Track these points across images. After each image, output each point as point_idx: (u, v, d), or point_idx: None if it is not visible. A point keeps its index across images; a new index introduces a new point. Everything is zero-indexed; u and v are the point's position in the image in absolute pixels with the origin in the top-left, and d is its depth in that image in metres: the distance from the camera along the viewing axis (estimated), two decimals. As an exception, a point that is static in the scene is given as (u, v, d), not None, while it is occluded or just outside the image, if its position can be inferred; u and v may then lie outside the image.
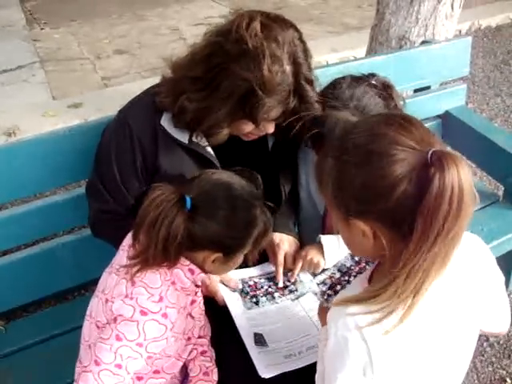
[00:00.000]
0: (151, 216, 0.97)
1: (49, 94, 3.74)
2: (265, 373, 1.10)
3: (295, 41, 1.18)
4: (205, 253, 1.04)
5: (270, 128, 1.25)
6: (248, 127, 1.23)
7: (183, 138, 1.25)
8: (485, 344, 1.97)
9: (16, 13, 5.37)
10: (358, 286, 0.90)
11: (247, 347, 1.16)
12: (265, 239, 1.08)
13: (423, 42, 2.36)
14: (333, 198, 0.84)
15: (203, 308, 1.23)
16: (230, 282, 1.31)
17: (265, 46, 1.12)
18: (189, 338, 1.16)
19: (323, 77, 1.36)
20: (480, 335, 1.80)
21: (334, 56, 4.26)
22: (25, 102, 3.53)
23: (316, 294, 1.27)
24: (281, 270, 1.34)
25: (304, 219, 1.50)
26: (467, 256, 0.89)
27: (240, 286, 1.31)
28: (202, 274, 1.08)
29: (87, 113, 3.28)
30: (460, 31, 4.83)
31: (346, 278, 1.32)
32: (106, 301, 1.05)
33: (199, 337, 1.22)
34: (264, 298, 1.30)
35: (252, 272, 1.37)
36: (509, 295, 2.13)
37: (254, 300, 1.29)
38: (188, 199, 0.99)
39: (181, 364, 1.17)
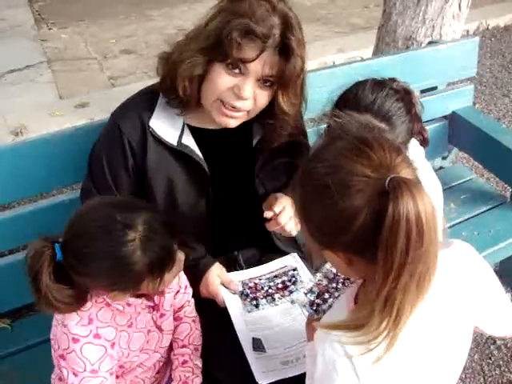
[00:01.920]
0: (30, 276, 0.95)
1: (56, 93, 3.76)
2: (261, 379, 1.10)
3: (289, 10, 1.16)
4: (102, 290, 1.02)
5: (247, 89, 1.15)
6: (224, 81, 1.15)
7: (172, 139, 1.24)
8: (492, 347, 1.95)
9: (24, 13, 5.39)
10: (343, 306, 0.87)
11: (245, 352, 1.16)
12: (169, 266, 1.01)
13: (430, 43, 2.35)
14: (302, 226, 0.83)
15: (192, 315, 1.26)
16: (231, 285, 1.31)
17: None
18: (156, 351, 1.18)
19: (331, 78, 1.35)
20: (487, 338, 1.79)
21: (340, 56, 4.25)
22: (32, 102, 3.55)
23: (305, 305, 1.27)
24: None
25: None
26: (457, 267, 0.87)
27: (240, 288, 1.31)
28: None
29: (94, 112, 3.29)
30: (467, 31, 4.80)
31: (334, 284, 1.31)
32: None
33: (182, 346, 1.23)
34: (264, 301, 1.30)
35: (253, 272, 1.36)
36: (516, 297, 2.12)
37: (254, 303, 1.29)
38: (57, 247, 0.94)
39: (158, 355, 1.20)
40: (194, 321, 1.27)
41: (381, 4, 2.68)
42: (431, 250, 0.72)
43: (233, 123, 1.23)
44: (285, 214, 1.26)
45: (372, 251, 0.72)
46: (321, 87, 1.50)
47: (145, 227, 0.95)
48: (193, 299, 1.29)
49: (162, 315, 1.17)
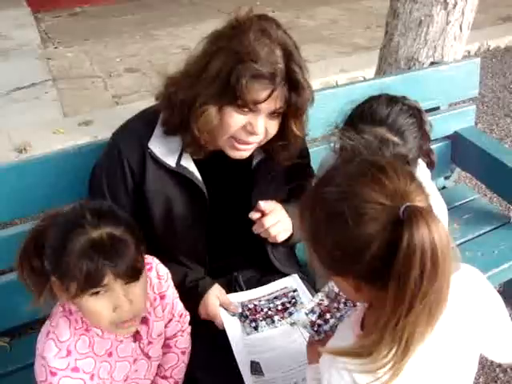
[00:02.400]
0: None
1: (60, 111, 3.80)
2: None
3: (286, 35, 1.19)
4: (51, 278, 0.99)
5: (260, 125, 1.18)
6: (236, 121, 1.17)
7: (171, 161, 1.25)
8: (497, 370, 1.92)
9: (31, 32, 5.48)
10: (349, 330, 0.85)
11: (243, 376, 1.15)
12: (87, 279, 0.92)
13: (432, 63, 2.37)
14: (311, 251, 0.80)
15: (182, 346, 1.24)
16: (230, 306, 1.30)
17: (256, 24, 1.14)
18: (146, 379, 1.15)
19: (333, 97, 1.36)
20: (492, 361, 1.76)
21: (343, 76, 4.28)
22: (36, 119, 3.58)
23: (306, 326, 1.25)
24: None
25: None
26: (466, 293, 0.86)
27: (239, 310, 1.30)
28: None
29: (97, 130, 3.31)
30: (469, 52, 4.85)
31: (336, 304, 1.29)
32: None
33: (163, 376, 1.21)
34: (263, 323, 1.28)
35: (252, 294, 1.35)
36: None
37: (254, 325, 1.27)
38: None
39: None
40: (183, 352, 1.24)
41: (383, 24, 2.71)
42: (445, 280, 0.70)
43: (246, 155, 1.26)
44: (271, 217, 1.25)
45: (383, 280, 0.70)
46: (323, 107, 1.50)
47: (103, 237, 0.93)
48: (189, 328, 1.26)
49: (149, 343, 1.14)
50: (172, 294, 1.20)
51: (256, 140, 1.22)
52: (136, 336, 1.12)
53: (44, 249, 0.98)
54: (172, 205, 1.28)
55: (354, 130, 1.20)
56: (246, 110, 1.16)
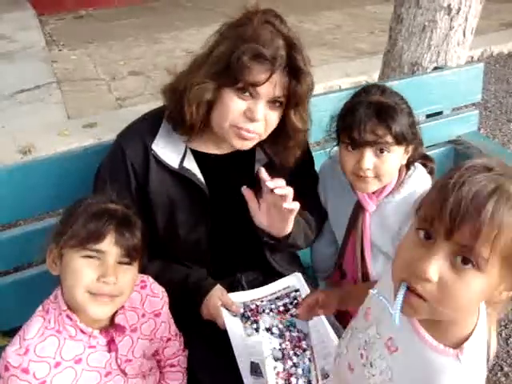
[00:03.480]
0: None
1: (64, 113, 3.82)
2: None
3: (291, 30, 1.19)
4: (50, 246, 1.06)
5: (259, 111, 1.17)
6: (235, 105, 1.17)
7: (174, 163, 1.26)
8: (499, 374, 1.92)
9: (36, 35, 5.51)
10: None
11: (243, 376, 1.15)
12: (89, 234, 0.99)
13: (435, 68, 2.38)
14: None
15: (184, 366, 1.25)
16: (232, 307, 1.30)
17: (262, 16, 1.17)
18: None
19: (337, 102, 1.37)
20: (494, 364, 1.76)
21: (346, 80, 4.30)
22: (41, 121, 3.60)
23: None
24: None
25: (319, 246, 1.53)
26: None
27: (241, 311, 1.30)
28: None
29: (101, 132, 3.33)
30: (472, 57, 4.86)
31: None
32: None
33: None
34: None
35: (254, 294, 1.35)
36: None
37: (255, 326, 1.27)
38: None
39: None
40: (186, 370, 1.26)
41: (386, 29, 2.72)
42: None
43: (249, 145, 1.25)
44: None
45: None
46: (327, 111, 1.51)
47: (119, 210, 1.04)
48: (187, 351, 1.28)
49: (128, 360, 1.11)
50: (167, 313, 1.19)
51: (257, 129, 1.20)
52: (111, 346, 1.08)
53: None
54: (174, 206, 1.28)
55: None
56: (246, 94, 1.16)
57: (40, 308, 1.07)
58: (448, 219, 0.69)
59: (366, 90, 1.32)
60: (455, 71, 2.17)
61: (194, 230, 1.31)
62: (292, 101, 1.20)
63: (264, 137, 1.25)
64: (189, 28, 5.64)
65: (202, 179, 1.28)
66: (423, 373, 0.80)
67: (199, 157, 1.30)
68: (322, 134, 1.42)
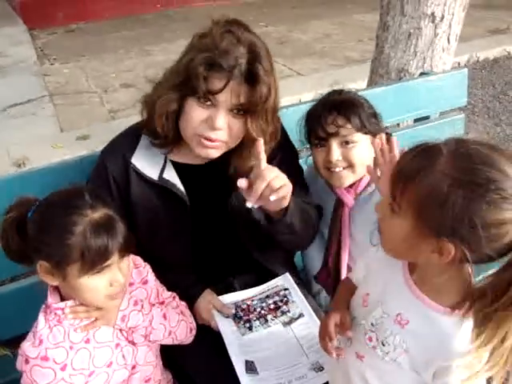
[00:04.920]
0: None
1: (57, 126, 3.84)
2: None
3: (256, 38, 1.21)
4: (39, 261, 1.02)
5: (220, 120, 1.18)
6: (197, 113, 1.20)
7: (153, 174, 1.29)
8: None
9: (28, 50, 5.55)
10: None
11: (238, 375, 1.17)
12: (96, 257, 0.98)
13: (421, 74, 2.43)
14: (432, 219, 0.80)
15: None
16: (223, 308, 1.32)
17: (224, 26, 1.20)
18: (133, 367, 1.16)
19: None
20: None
21: (336, 88, 4.35)
22: (34, 134, 3.62)
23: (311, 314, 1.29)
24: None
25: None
26: None
27: (233, 311, 1.33)
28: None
29: (95, 144, 3.35)
30: (459, 63, 4.94)
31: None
32: None
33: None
34: (257, 322, 1.31)
35: (245, 294, 1.38)
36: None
37: (248, 325, 1.30)
38: (34, 207, 1.04)
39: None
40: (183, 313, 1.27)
41: (374, 38, 2.78)
42: None
43: (214, 153, 1.26)
44: (269, 171, 1.11)
45: None
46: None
47: (103, 217, 0.99)
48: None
49: (130, 330, 1.14)
50: (154, 280, 1.24)
51: (219, 137, 1.22)
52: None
53: (26, 234, 1.02)
54: (156, 217, 1.31)
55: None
56: (208, 103, 1.19)
57: (43, 307, 1.11)
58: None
59: (325, 96, 1.44)
60: (441, 77, 2.23)
61: (177, 240, 1.33)
62: (248, 108, 1.21)
63: (231, 145, 1.27)
64: (178, 39, 5.68)
65: (183, 189, 1.31)
66: (435, 337, 0.88)
67: (179, 168, 1.33)
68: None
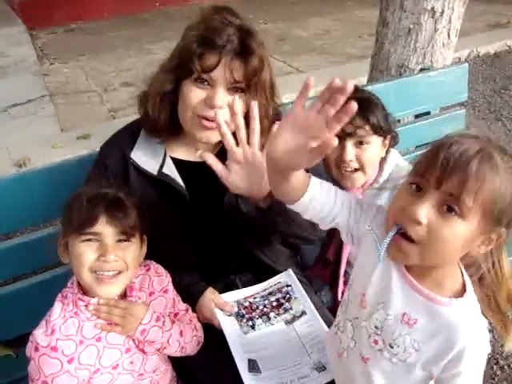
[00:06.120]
0: None
1: (58, 126, 3.84)
2: None
3: (244, 22, 1.23)
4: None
5: (219, 97, 1.18)
6: (195, 94, 1.20)
7: (153, 169, 1.29)
8: (495, 367, 1.95)
9: (28, 50, 5.54)
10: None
11: (241, 373, 1.17)
12: (84, 220, 1.05)
13: (422, 70, 2.42)
14: (498, 212, 0.83)
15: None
16: (226, 306, 1.32)
17: (214, 10, 1.22)
18: (141, 374, 1.16)
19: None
20: (489, 358, 1.80)
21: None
22: (34, 134, 3.62)
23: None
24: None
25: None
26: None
27: (235, 309, 1.32)
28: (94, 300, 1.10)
29: (95, 144, 3.32)
30: (459, 58, 4.93)
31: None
32: None
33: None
34: (260, 320, 1.31)
35: (247, 292, 1.38)
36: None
37: (250, 323, 1.30)
38: None
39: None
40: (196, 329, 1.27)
41: (374, 34, 2.77)
42: None
43: (214, 137, 1.25)
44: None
45: None
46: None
47: (108, 193, 1.10)
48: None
49: (142, 342, 1.15)
50: (173, 290, 1.25)
51: (220, 115, 1.18)
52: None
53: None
54: (155, 212, 1.29)
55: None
56: (205, 83, 1.20)
57: (59, 295, 1.14)
58: (439, 169, 0.82)
59: None
60: (441, 72, 2.22)
61: (178, 235, 1.33)
62: (247, 84, 1.21)
63: (233, 127, 1.21)
64: (178, 38, 5.66)
65: (182, 183, 1.30)
66: (444, 330, 0.89)
67: (178, 164, 1.33)
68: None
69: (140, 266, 1.20)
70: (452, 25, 2.51)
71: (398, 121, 2.32)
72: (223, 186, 1.29)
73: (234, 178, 1.19)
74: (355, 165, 1.35)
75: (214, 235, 1.37)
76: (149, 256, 1.28)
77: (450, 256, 0.88)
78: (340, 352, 1.04)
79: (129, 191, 1.25)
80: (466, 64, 2.23)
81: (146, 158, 1.29)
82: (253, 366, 1.19)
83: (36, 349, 1.05)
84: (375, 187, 1.41)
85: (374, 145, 1.36)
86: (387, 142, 1.41)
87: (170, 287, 1.25)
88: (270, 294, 1.37)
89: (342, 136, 1.32)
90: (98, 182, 1.19)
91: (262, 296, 1.36)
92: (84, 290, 1.11)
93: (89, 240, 1.06)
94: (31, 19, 6.28)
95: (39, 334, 1.06)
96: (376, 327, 0.96)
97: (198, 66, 1.17)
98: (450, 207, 0.82)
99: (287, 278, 1.40)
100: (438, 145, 0.85)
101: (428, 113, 2.20)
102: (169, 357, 1.27)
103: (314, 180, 0.96)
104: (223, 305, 1.32)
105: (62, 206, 1.46)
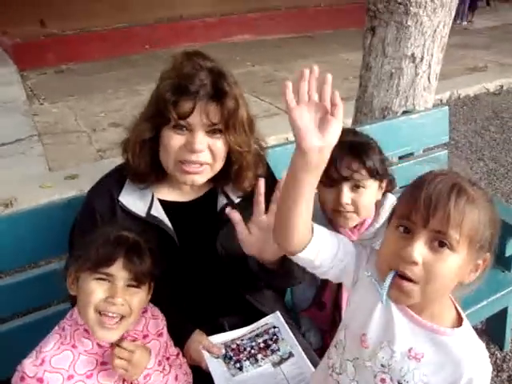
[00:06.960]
0: None
1: (46, 165, 3.84)
2: None
3: (216, 64, 1.26)
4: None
5: (198, 141, 1.21)
6: (175, 141, 1.22)
7: (141, 211, 1.30)
8: None
9: (17, 90, 5.61)
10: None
11: None
12: (101, 259, 1.06)
13: (404, 112, 2.50)
14: (483, 240, 0.89)
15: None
16: (213, 348, 1.30)
17: (186, 55, 1.25)
18: None
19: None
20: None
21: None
22: (22, 174, 3.61)
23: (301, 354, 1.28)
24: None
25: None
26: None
27: (223, 351, 1.31)
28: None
29: (83, 184, 3.35)
30: (441, 100, 5.08)
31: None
32: None
33: None
34: (247, 362, 1.30)
35: (234, 334, 1.37)
36: (504, 356, 2.12)
37: (238, 365, 1.29)
38: None
39: None
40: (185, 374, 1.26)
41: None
42: None
43: (198, 179, 1.27)
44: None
45: None
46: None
47: (129, 237, 1.11)
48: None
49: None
50: (167, 333, 1.24)
51: (202, 159, 1.23)
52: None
53: None
54: None
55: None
56: (183, 129, 1.22)
57: (56, 327, 1.12)
58: (423, 209, 0.86)
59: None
60: (423, 114, 2.29)
61: (166, 277, 1.32)
62: (227, 124, 1.23)
63: (217, 167, 1.27)
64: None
65: (170, 225, 1.31)
66: (451, 361, 0.91)
67: (166, 205, 1.34)
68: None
69: None
70: (432, 69, 2.61)
71: (383, 162, 2.38)
72: (212, 226, 1.30)
73: (251, 240, 1.24)
74: (351, 208, 1.36)
75: (202, 277, 1.37)
76: None
77: (447, 288, 0.91)
78: None
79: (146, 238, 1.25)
80: (447, 107, 2.31)
81: (134, 200, 1.31)
82: None
83: (22, 378, 1.03)
84: (371, 231, 1.42)
85: (371, 189, 1.37)
86: (384, 185, 1.42)
87: (165, 331, 1.23)
88: (258, 335, 1.36)
89: (339, 180, 1.33)
90: (121, 223, 1.23)
91: (250, 338, 1.36)
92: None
93: (101, 279, 1.06)
94: (23, 60, 6.40)
95: (27, 364, 1.04)
96: (382, 365, 0.95)
97: (174, 113, 1.19)
98: (441, 242, 0.87)
99: (274, 319, 1.39)
100: (414, 186, 0.91)
101: (411, 154, 2.26)
102: None
103: (318, 239, 1.00)
104: (211, 347, 1.31)
105: (49, 247, 1.46)
